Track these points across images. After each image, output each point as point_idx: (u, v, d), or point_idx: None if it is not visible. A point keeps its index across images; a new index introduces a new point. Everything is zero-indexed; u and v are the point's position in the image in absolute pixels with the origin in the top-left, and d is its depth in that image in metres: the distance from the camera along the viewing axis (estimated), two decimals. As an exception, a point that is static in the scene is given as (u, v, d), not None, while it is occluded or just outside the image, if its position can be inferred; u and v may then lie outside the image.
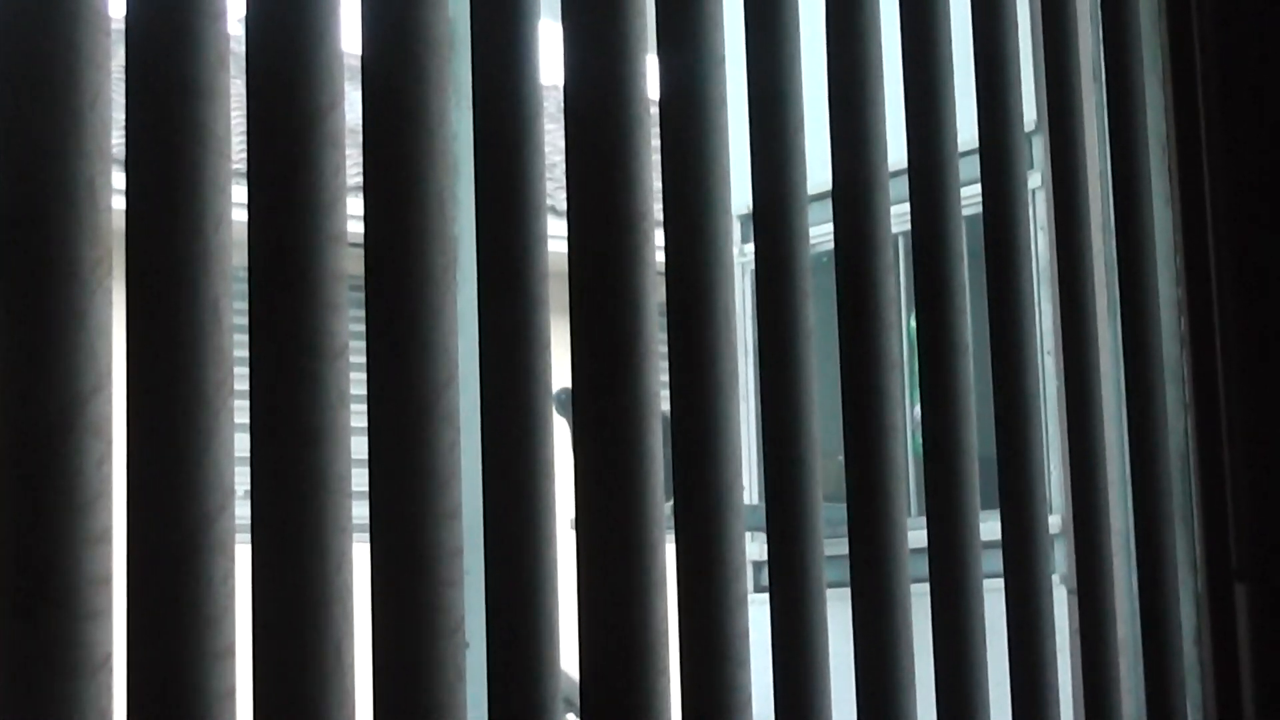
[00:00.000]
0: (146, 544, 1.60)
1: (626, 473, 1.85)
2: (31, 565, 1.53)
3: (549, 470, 1.80)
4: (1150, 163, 2.42)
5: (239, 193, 1.70)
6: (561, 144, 1.90)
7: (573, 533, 1.84)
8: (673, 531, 1.90)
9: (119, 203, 1.63)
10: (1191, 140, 2.41)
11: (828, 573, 2.02)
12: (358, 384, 1.73)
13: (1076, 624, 2.28)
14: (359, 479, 1.72)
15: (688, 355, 1.94)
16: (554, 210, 1.88)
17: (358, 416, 1.73)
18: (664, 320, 1.94)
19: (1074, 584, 2.29)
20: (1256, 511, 2.33)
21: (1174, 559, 2.34)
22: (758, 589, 1.97)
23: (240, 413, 1.67)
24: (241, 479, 1.66)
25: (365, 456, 1.74)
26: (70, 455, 1.56)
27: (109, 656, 1.56)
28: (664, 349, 1.92)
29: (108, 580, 1.56)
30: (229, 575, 1.62)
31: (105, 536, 1.57)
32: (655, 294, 1.90)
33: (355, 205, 1.76)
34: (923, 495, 2.19)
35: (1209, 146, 2.40)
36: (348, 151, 1.77)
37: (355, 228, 1.76)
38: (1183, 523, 2.36)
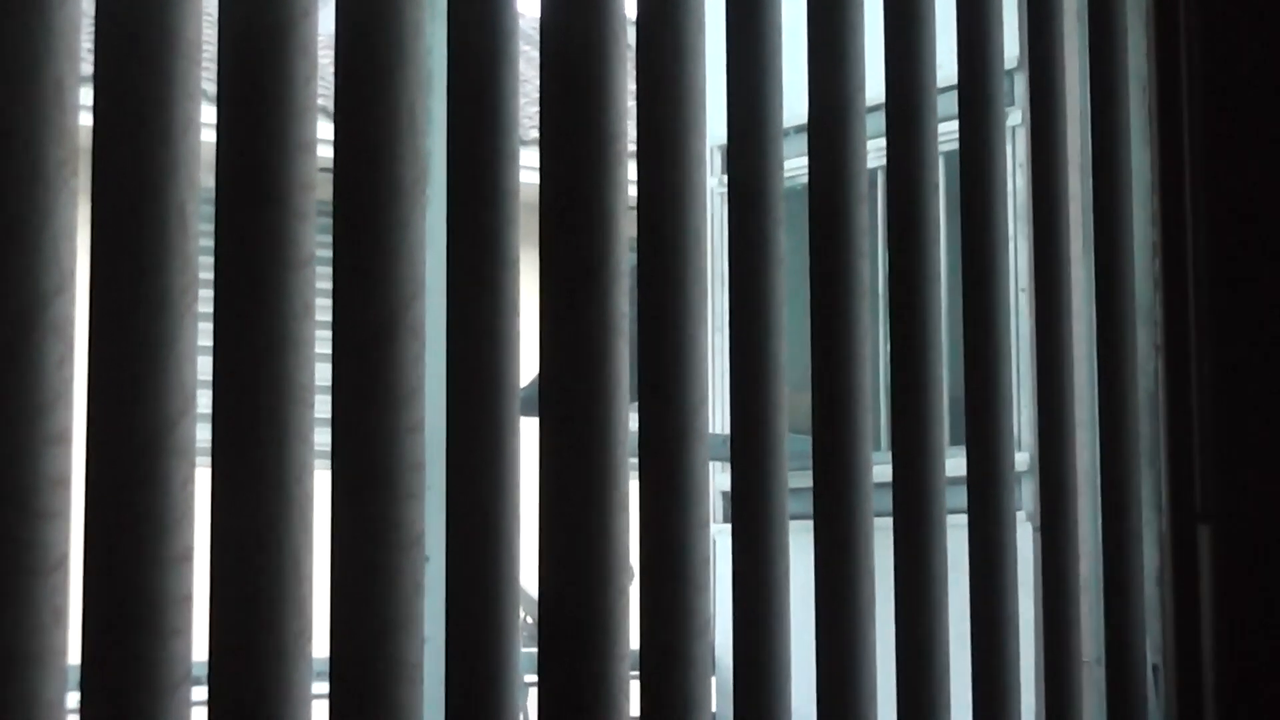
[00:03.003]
0: (106, 446, 1.60)
1: (592, 394, 1.85)
2: (-11, 463, 1.53)
3: (514, 388, 1.80)
4: (1130, 104, 2.41)
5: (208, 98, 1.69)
6: (534, 81, 1.90)
7: (537, 451, 1.84)
8: (637, 454, 1.90)
9: (86, 103, 1.62)
10: (1172, 82, 2.40)
11: (792, 504, 2.02)
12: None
13: (1040, 561, 2.28)
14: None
15: (657, 279, 1.93)
16: (525, 142, 1.87)
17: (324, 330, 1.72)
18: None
19: (1039, 521, 2.29)
20: (1222, 454, 2.33)
21: (1139, 499, 2.34)
22: (724, 519, 1.97)
23: (205, 319, 1.66)
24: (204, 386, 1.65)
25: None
26: (31, 355, 1.56)
27: (65, 557, 1.55)
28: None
29: (65, 481, 1.56)
30: (189, 480, 1.62)
31: (64, 437, 1.57)
32: (627, 219, 1.90)
33: (326, 129, 1.75)
34: (890, 430, 2.19)
35: (1189, 89, 2.39)
36: (320, 64, 1.76)
37: (326, 152, 1.75)
38: (1149, 463, 2.36)
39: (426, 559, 1.75)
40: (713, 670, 1.98)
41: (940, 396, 2.17)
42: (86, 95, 1.63)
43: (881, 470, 2.13)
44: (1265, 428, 2.34)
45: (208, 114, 1.68)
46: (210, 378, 1.67)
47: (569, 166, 1.88)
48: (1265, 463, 2.34)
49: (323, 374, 1.71)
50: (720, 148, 2.11)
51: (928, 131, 2.21)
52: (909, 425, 2.16)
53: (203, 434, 1.64)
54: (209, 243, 1.68)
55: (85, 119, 1.62)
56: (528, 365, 1.81)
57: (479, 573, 1.77)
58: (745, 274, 2.03)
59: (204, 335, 1.66)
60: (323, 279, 1.73)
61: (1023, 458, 2.35)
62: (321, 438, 1.70)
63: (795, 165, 2.12)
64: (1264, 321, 2.35)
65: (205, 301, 1.66)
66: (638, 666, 1.86)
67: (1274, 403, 2.35)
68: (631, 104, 1.93)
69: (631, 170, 1.92)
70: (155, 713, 1.58)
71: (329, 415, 1.73)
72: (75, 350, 1.58)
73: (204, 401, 1.65)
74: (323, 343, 1.72)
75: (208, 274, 1.67)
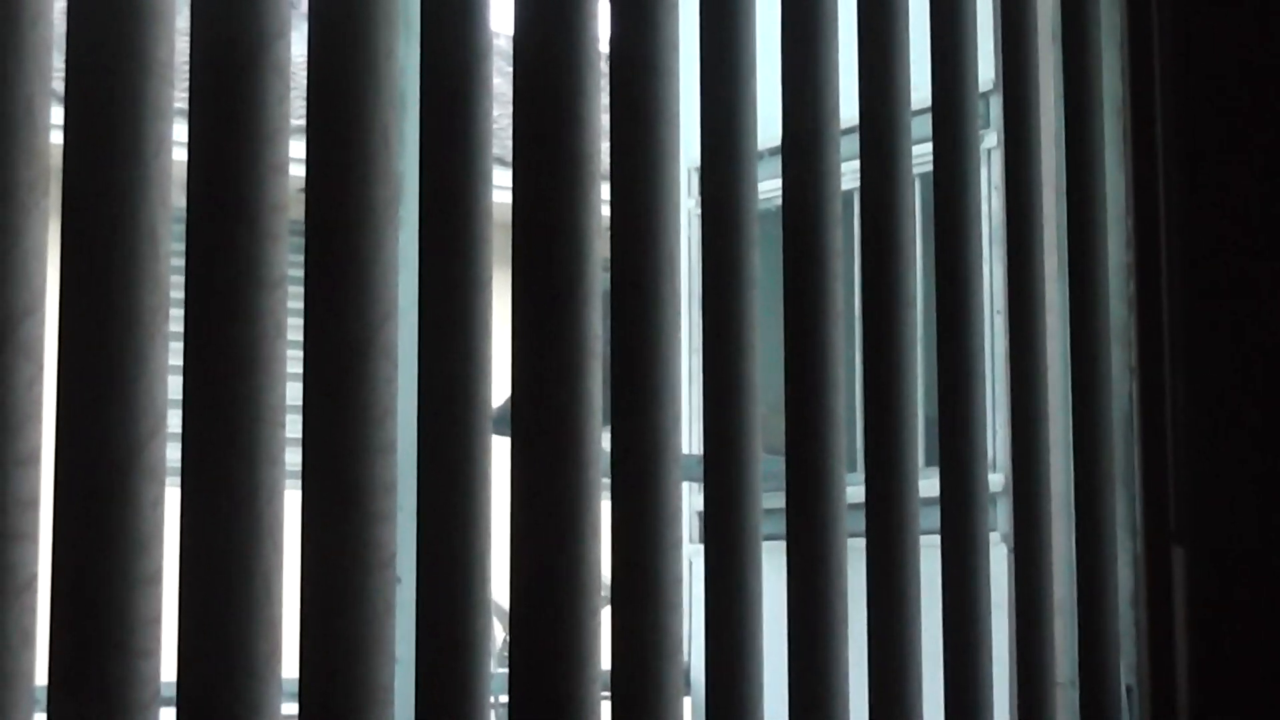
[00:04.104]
0: (76, 467, 1.60)
1: (564, 414, 1.85)
2: (-43, 484, 1.53)
3: (485, 409, 1.80)
4: (1105, 126, 2.42)
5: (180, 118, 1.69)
6: (508, 97, 1.90)
7: (509, 471, 1.84)
8: (609, 475, 1.90)
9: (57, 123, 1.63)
10: (1146, 105, 2.41)
11: (765, 525, 2.02)
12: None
13: (1014, 582, 2.28)
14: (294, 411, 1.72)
15: (630, 300, 1.93)
16: (499, 160, 1.87)
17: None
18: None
19: (1014, 542, 2.29)
20: (1196, 476, 2.33)
21: (1113, 520, 2.34)
22: (698, 540, 1.98)
23: (176, 339, 1.66)
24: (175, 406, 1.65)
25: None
26: (1, 376, 1.55)
27: (34, 578, 1.55)
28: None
29: (35, 502, 1.56)
30: (159, 501, 1.62)
31: (34, 458, 1.56)
32: (600, 239, 1.90)
33: (299, 149, 1.75)
34: (864, 451, 2.19)
35: (1163, 111, 2.40)
36: (293, 85, 1.76)
37: (299, 171, 1.75)
38: (1123, 484, 2.36)
39: (398, 580, 1.74)
40: (687, 691, 1.97)
41: (914, 417, 2.18)
42: (57, 115, 1.63)
43: (855, 491, 2.13)
44: (1239, 449, 2.34)
45: (179, 134, 1.68)
46: (181, 398, 1.67)
47: (542, 187, 1.88)
48: (1239, 484, 2.34)
49: (294, 394, 1.71)
50: (695, 169, 2.11)
51: (902, 154, 2.21)
52: (883, 446, 2.16)
53: (173, 454, 1.64)
54: (180, 263, 1.68)
55: (56, 139, 1.63)
56: (500, 385, 1.81)
57: (450, 594, 1.77)
58: (719, 295, 2.03)
59: (175, 356, 1.66)
60: (294, 299, 1.72)
61: (997, 479, 2.35)
62: (292, 458, 1.70)
63: (769, 187, 2.13)
64: (1238, 343, 2.36)
65: (176, 322, 1.66)
66: (609, 687, 1.86)
67: (1248, 424, 2.35)
68: (605, 124, 1.94)
69: (605, 191, 1.92)
70: (124, 734, 1.57)
71: (300, 435, 1.73)
72: (45, 371, 1.58)
73: (174, 422, 1.65)
74: (294, 363, 1.72)
75: (179, 294, 1.67)
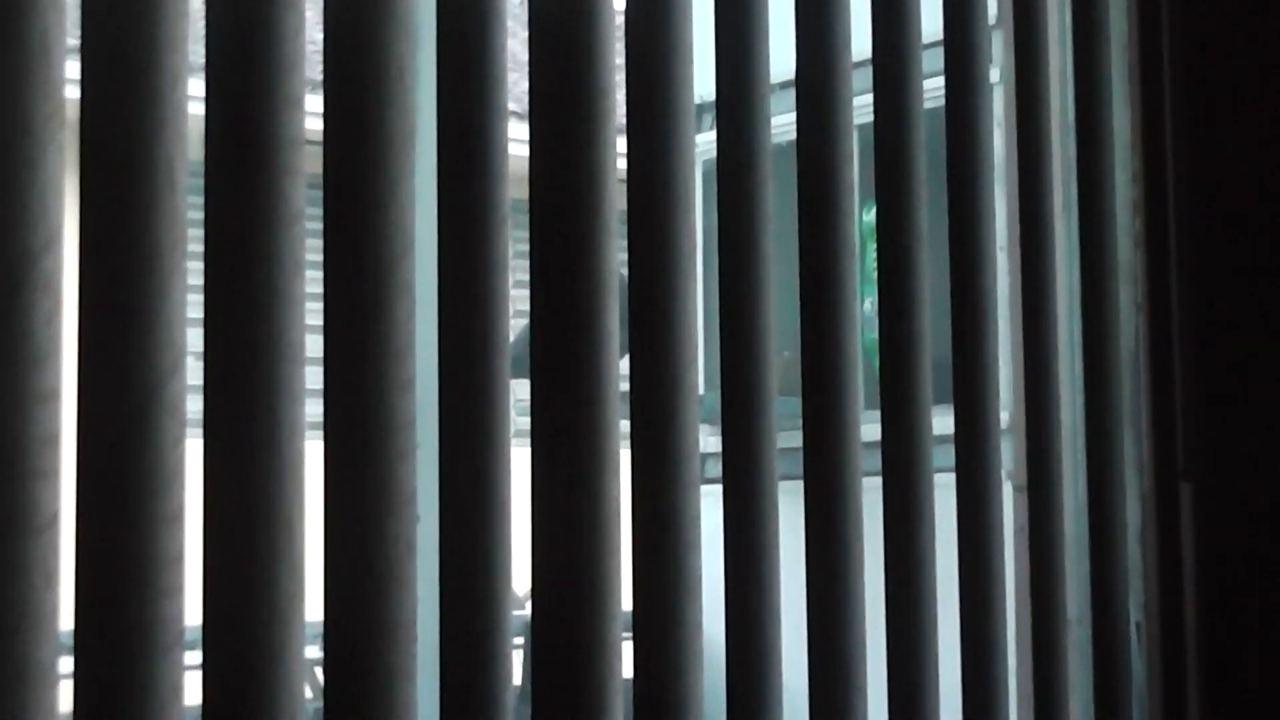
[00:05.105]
0: (96, 404, 1.57)
1: (582, 353, 1.83)
2: (-22, 422, 1.50)
3: (504, 345, 1.78)
4: (1111, 62, 2.40)
5: (197, 54, 1.67)
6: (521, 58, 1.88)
7: (528, 410, 1.82)
8: (627, 415, 1.89)
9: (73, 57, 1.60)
10: (1153, 40, 2.39)
11: (780, 465, 2.01)
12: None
13: (1023, 520, 2.28)
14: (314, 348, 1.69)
15: (646, 238, 1.92)
16: (515, 112, 1.85)
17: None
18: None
19: (1021, 481, 2.29)
20: (1203, 413, 2.33)
21: (1121, 458, 2.34)
22: (706, 480, 1.96)
23: (195, 291, 1.64)
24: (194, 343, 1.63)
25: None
26: (20, 312, 1.53)
27: (56, 516, 1.53)
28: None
29: (56, 439, 1.54)
30: (180, 439, 1.60)
31: (54, 395, 1.54)
32: (615, 177, 1.88)
33: (315, 103, 1.72)
34: (875, 389, 2.18)
35: (1170, 47, 2.38)
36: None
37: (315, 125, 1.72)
38: (1130, 422, 2.36)
39: (418, 519, 1.73)
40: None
41: (925, 355, 2.16)
42: (72, 50, 1.60)
43: (867, 430, 2.12)
44: (1246, 386, 2.34)
45: (196, 68, 1.65)
46: (200, 337, 1.64)
47: (557, 126, 1.85)
48: (1246, 421, 2.34)
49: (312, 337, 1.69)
50: (704, 105, 2.09)
51: (913, 88, 2.19)
52: (896, 384, 2.15)
53: (193, 394, 1.62)
54: (197, 200, 1.65)
55: (72, 73, 1.60)
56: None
57: (471, 531, 1.75)
58: (732, 233, 2.01)
59: (194, 302, 1.63)
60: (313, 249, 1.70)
61: (1003, 417, 2.34)
62: (313, 398, 1.68)
63: (780, 121, 2.10)
64: (1245, 278, 2.35)
65: (195, 260, 1.64)
66: (630, 627, 1.85)
67: (1255, 361, 2.35)
68: (619, 61, 1.91)
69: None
70: (149, 676, 1.55)
71: (320, 374, 1.70)
72: (64, 306, 1.56)
73: (194, 362, 1.62)
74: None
75: (197, 232, 1.64)
